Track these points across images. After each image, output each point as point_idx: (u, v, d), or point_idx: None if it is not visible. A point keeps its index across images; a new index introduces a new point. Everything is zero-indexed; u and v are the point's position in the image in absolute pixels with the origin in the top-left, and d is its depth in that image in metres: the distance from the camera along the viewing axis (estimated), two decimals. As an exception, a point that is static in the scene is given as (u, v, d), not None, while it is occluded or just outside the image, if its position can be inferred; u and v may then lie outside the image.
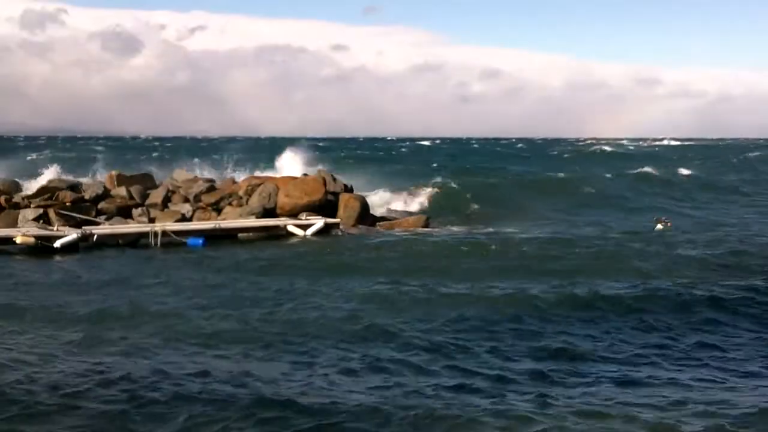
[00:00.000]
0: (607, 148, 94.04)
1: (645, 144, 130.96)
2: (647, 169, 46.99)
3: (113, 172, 26.42)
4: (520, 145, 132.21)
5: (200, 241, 22.28)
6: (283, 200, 25.20)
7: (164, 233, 22.34)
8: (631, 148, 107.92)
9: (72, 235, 21.82)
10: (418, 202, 31.73)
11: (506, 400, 8.97)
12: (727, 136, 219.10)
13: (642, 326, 12.61)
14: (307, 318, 12.89)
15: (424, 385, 9.49)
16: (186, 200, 25.76)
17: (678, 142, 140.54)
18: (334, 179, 26.24)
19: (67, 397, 8.98)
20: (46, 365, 10.22)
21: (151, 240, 22.32)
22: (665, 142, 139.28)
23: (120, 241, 22.58)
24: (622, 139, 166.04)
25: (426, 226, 25.61)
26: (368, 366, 10.30)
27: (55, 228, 22.55)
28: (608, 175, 44.13)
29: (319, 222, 23.71)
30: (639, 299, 14.23)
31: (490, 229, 25.34)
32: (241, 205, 25.45)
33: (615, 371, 10.22)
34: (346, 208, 25.26)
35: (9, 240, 21.46)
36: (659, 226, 24.85)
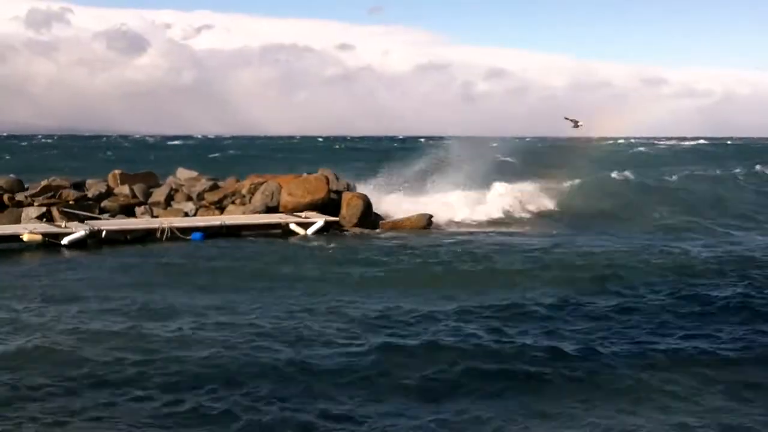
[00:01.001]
0: (642, 149, 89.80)
1: (673, 143, 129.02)
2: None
3: (116, 171, 26.12)
4: (540, 144, 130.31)
5: (200, 235, 22.47)
6: (285, 199, 24.89)
7: (172, 229, 22.44)
8: (662, 146, 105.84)
9: (80, 231, 21.76)
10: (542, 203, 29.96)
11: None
12: (734, 135, 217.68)
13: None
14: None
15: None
16: (189, 198, 25.51)
17: (706, 141, 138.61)
18: (337, 178, 25.90)
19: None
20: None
21: (160, 235, 22.37)
22: (692, 143, 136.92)
23: (128, 237, 22.59)
24: (630, 138, 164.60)
25: (427, 226, 25.23)
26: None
27: (62, 225, 22.50)
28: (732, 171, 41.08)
29: (319, 221, 23.60)
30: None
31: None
32: (244, 204, 25.20)
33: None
34: (349, 207, 24.89)
35: (15, 237, 21.30)
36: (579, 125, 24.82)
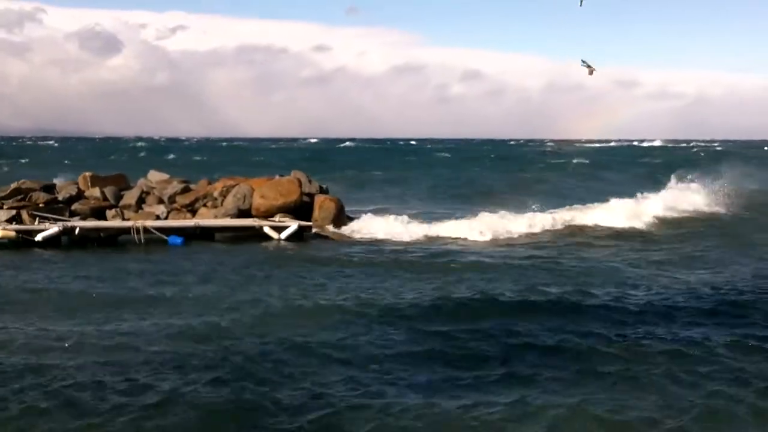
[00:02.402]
0: (653, 159, 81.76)
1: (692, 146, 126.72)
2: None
3: (87, 173, 25.24)
4: (533, 149, 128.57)
5: (179, 240, 21.83)
6: (258, 201, 24.09)
7: (146, 230, 22.05)
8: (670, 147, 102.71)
9: (53, 228, 21.58)
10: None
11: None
12: (707, 137, 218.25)
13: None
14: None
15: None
16: (160, 201, 24.64)
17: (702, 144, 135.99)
18: (310, 180, 25.12)
19: None
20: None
21: (134, 236, 21.96)
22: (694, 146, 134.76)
23: (102, 234, 22.28)
24: (612, 141, 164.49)
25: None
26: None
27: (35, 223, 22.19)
28: None
29: (293, 225, 22.87)
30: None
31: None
32: (216, 207, 24.39)
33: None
34: (322, 210, 24.17)
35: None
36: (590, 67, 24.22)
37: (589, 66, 23.70)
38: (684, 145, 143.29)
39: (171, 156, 78.19)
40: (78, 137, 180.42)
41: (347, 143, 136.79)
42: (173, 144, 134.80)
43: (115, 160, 70.22)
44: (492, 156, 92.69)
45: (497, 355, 10.64)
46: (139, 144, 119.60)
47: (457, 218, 25.19)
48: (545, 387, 9.30)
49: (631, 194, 27.90)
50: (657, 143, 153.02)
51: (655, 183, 32.49)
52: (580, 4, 27.76)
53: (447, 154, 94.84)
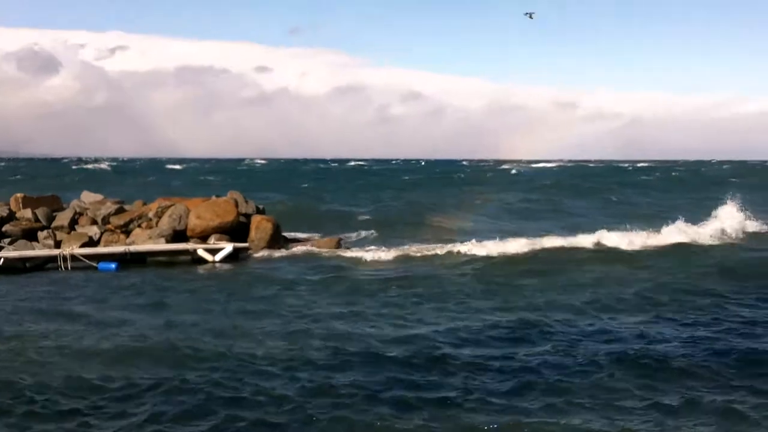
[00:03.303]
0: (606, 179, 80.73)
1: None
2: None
3: (18, 195, 24.39)
4: (490, 169, 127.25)
5: (113, 265, 20.96)
6: (194, 222, 23.56)
7: (74, 257, 21.19)
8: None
9: None
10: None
11: None
12: (644, 157, 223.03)
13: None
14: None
15: None
16: (94, 222, 23.93)
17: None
18: (246, 201, 24.69)
19: None
20: None
21: (60, 264, 21.06)
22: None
23: (27, 264, 21.30)
24: (556, 161, 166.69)
25: (337, 247, 24.19)
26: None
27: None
28: None
29: (228, 247, 22.36)
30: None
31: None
32: (150, 227, 23.76)
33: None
34: (258, 230, 23.77)
35: None
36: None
37: (529, 14, 25.40)
38: (627, 166, 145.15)
39: (151, 178, 75.57)
40: (17, 158, 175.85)
41: (305, 167, 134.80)
42: (124, 165, 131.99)
43: (75, 180, 68.06)
44: (456, 177, 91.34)
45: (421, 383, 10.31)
46: (88, 166, 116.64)
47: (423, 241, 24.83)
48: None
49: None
50: (601, 164, 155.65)
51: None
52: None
53: (408, 177, 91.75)
